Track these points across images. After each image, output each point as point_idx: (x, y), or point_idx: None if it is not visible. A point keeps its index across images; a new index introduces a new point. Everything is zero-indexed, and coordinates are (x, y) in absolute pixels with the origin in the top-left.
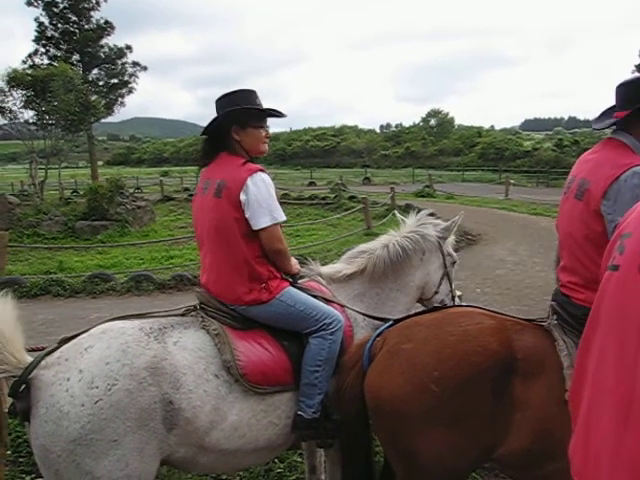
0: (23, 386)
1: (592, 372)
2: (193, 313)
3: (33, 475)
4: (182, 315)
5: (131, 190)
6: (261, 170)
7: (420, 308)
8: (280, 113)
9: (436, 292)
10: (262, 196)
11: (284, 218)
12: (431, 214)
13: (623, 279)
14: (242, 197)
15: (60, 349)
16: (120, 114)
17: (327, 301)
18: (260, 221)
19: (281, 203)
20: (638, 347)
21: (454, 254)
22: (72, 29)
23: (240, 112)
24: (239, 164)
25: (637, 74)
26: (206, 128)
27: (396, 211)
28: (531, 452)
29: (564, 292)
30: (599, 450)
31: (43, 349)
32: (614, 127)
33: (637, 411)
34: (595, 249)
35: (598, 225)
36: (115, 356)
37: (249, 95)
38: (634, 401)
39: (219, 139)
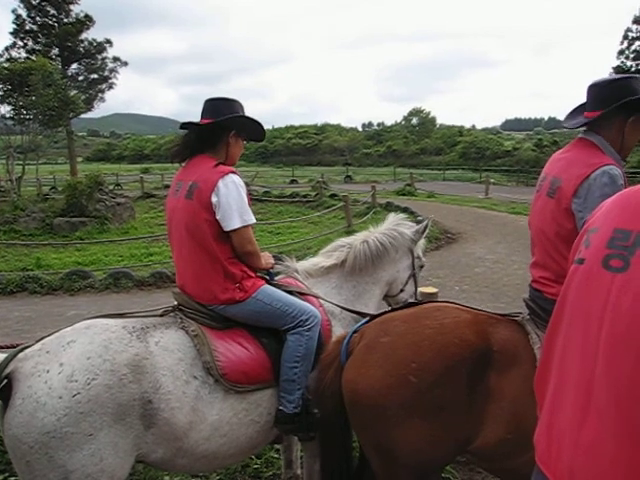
0: (5, 381)
1: (557, 362)
2: (172, 314)
3: (7, 474)
4: (161, 316)
5: (111, 187)
6: (232, 172)
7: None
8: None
9: (402, 290)
10: (233, 198)
11: (254, 220)
12: (412, 213)
13: (587, 272)
14: (213, 199)
15: (42, 341)
16: (101, 110)
17: (303, 295)
18: (231, 223)
19: (262, 201)
20: (598, 337)
21: (423, 258)
22: (51, 22)
23: (245, 121)
24: (211, 166)
25: (614, 75)
26: (213, 122)
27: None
28: (506, 443)
29: (536, 287)
30: (561, 436)
31: (18, 346)
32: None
33: (596, 399)
34: (566, 245)
35: (569, 222)
36: (97, 351)
37: (242, 108)
38: (594, 389)
39: (209, 137)
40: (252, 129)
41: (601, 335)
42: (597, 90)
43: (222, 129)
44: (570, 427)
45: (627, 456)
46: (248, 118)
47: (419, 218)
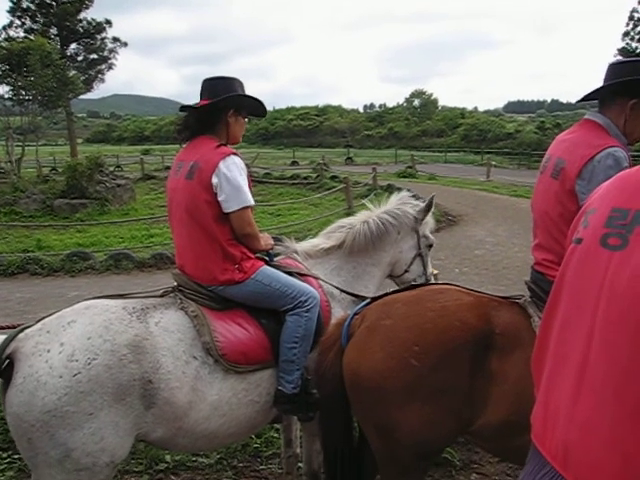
0: (7, 361)
1: (554, 341)
2: (171, 295)
3: (10, 452)
4: (161, 296)
5: (111, 168)
6: (234, 153)
7: (390, 284)
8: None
9: (406, 271)
10: (233, 179)
11: (253, 202)
12: (413, 195)
13: (585, 251)
14: (214, 180)
15: (42, 321)
16: (100, 91)
17: (303, 275)
18: (231, 204)
19: (263, 182)
20: (595, 315)
21: (431, 237)
22: (49, 1)
23: (243, 99)
24: (213, 147)
25: (620, 57)
26: (210, 105)
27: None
28: (508, 424)
29: (538, 270)
30: (556, 414)
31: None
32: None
33: (592, 377)
34: (569, 227)
35: (573, 204)
36: (97, 332)
37: (242, 85)
38: (588, 367)
39: (209, 118)
40: (251, 106)
41: (598, 313)
42: (609, 69)
43: (220, 109)
44: (565, 404)
45: (622, 437)
46: (245, 96)
47: (420, 199)
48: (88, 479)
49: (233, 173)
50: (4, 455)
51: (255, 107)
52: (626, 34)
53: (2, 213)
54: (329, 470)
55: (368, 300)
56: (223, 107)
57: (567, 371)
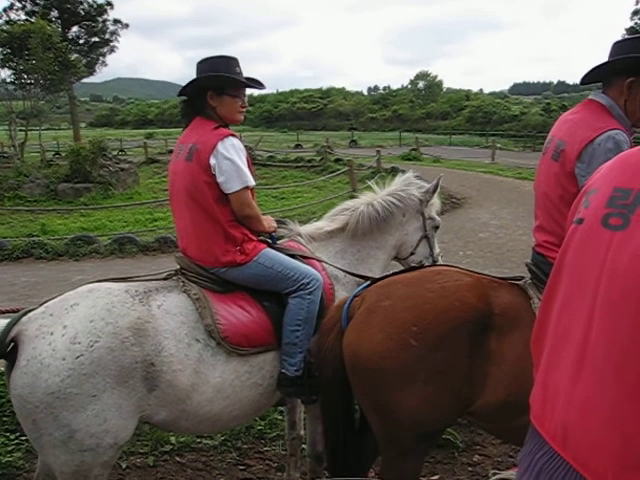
0: (11, 344)
1: (554, 321)
2: (174, 278)
3: (18, 434)
4: (164, 279)
5: (114, 152)
6: (232, 135)
7: (396, 266)
8: (259, 84)
9: (412, 253)
10: (231, 161)
11: (253, 183)
12: (417, 176)
13: (586, 231)
14: (212, 161)
15: (46, 304)
16: (103, 74)
17: (306, 258)
18: (230, 185)
19: (266, 166)
20: (595, 295)
21: (437, 218)
22: None
23: (216, 79)
24: (210, 128)
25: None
26: (182, 89)
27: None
28: (507, 405)
29: (539, 251)
30: (556, 394)
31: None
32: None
33: (590, 357)
34: (570, 209)
35: (572, 186)
36: (100, 314)
37: (229, 62)
38: (590, 348)
39: (195, 102)
40: (235, 82)
41: (598, 293)
42: (613, 48)
43: (199, 92)
44: (565, 385)
45: (622, 418)
46: (209, 76)
47: (425, 181)
48: (92, 460)
49: (231, 154)
50: (12, 437)
51: (237, 83)
52: (635, 13)
53: (6, 198)
54: (331, 452)
55: (368, 282)
56: (202, 89)
57: (567, 351)
